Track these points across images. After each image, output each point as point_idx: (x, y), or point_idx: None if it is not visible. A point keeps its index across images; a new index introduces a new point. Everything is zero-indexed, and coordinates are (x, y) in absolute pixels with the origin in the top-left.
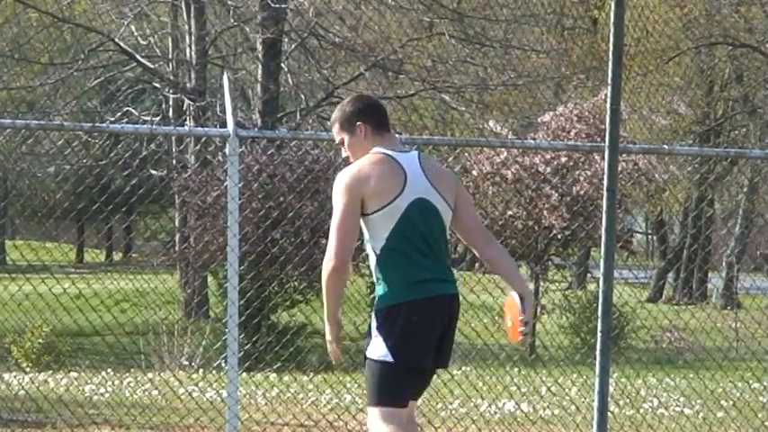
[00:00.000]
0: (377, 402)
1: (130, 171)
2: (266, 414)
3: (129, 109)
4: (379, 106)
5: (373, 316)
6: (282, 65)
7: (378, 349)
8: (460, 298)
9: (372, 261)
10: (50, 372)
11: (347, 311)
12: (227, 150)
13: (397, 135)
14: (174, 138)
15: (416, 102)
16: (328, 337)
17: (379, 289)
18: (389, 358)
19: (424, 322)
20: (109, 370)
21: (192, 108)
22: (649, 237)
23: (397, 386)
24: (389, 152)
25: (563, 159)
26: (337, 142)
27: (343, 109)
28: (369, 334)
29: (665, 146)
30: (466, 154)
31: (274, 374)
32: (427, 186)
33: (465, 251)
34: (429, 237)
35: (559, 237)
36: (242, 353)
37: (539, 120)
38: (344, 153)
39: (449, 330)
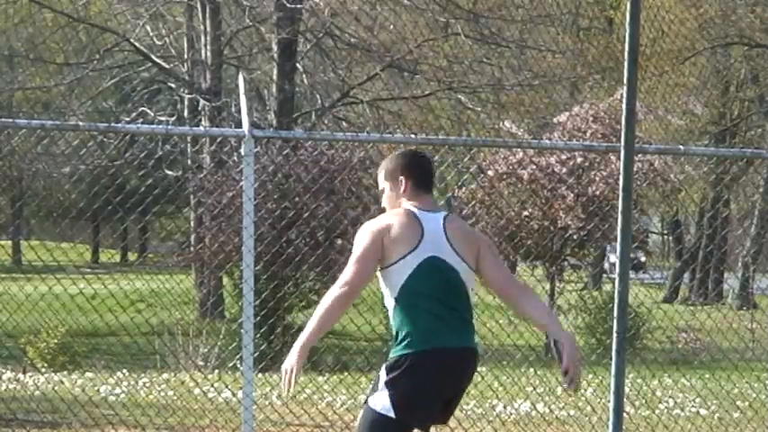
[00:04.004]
0: None
1: (146, 171)
2: (282, 415)
3: (145, 109)
4: (426, 166)
5: (383, 368)
6: (298, 65)
7: (381, 401)
8: (475, 309)
9: (390, 313)
10: (66, 372)
11: (363, 313)
12: (242, 151)
13: (412, 136)
14: (189, 138)
15: (432, 102)
16: (290, 362)
17: (395, 339)
18: (391, 413)
19: (433, 375)
20: (124, 370)
21: (207, 108)
22: (665, 237)
23: None
24: (414, 209)
25: (579, 160)
26: (379, 190)
27: (391, 160)
28: (375, 383)
29: (681, 146)
30: (482, 154)
31: None
32: (445, 246)
33: None
34: (442, 294)
35: (575, 237)
36: (257, 353)
37: (554, 120)
38: (384, 203)
39: (461, 385)
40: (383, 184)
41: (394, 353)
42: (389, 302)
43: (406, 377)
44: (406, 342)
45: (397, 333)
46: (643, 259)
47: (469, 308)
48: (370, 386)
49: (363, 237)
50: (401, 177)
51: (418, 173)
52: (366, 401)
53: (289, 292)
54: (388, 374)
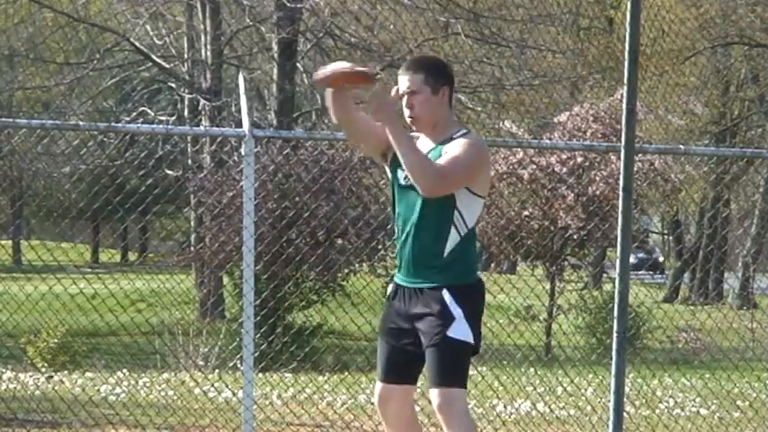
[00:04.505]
0: (463, 384)
1: (146, 171)
2: (282, 414)
3: (145, 109)
4: None
5: (446, 293)
6: (298, 65)
7: (462, 329)
8: None
9: (453, 237)
10: (66, 372)
11: (364, 313)
12: (242, 150)
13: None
14: (189, 138)
15: None
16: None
17: (456, 266)
18: (471, 340)
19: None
20: (124, 370)
21: (207, 108)
22: (665, 237)
23: (469, 368)
24: None
25: (579, 159)
26: (405, 90)
27: (435, 62)
28: (445, 315)
29: (681, 146)
30: None
31: (290, 375)
32: None
33: (480, 251)
34: None
35: (575, 237)
36: (257, 353)
37: (555, 120)
38: (407, 112)
39: None
40: (418, 85)
41: (457, 280)
42: (468, 222)
43: (479, 303)
44: (471, 269)
45: (456, 259)
46: (661, 259)
47: None
48: (435, 322)
49: (478, 153)
50: (445, 86)
51: (453, 89)
52: (442, 338)
53: (289, 291)
54: (461, 301)
